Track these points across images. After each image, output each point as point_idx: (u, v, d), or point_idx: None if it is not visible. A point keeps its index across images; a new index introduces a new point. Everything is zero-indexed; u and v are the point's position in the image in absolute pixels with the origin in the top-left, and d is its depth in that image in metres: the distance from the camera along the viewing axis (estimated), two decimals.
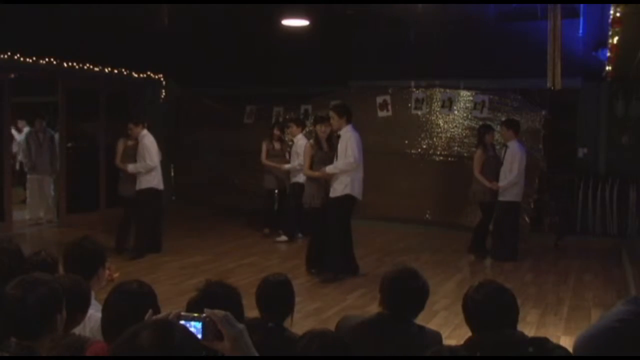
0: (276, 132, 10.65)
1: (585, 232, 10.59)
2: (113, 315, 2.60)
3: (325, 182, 8.08)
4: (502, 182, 9.03)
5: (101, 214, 11.83)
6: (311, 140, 8.73)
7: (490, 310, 2.71)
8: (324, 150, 8.21)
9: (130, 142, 9.08)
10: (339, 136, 7.83)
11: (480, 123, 10.38)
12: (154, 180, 8.92)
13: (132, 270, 7.81)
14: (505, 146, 9.19)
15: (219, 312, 1.95)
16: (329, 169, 7.83)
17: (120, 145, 9.18)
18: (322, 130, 8.26)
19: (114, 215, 12.23)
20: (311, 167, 8.26)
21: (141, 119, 9.19)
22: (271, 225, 10.66)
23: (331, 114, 7.85)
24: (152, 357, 1.55)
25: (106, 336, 2.61)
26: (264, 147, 10.58)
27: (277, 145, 10.60)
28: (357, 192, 7.84)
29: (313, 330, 2.45)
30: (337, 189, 7.76)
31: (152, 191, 8.92)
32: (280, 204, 10.91)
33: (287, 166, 10.26)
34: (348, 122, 7.79)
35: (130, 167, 8.88)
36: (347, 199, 7.76)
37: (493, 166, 9.24)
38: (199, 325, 1.91)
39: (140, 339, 1.57)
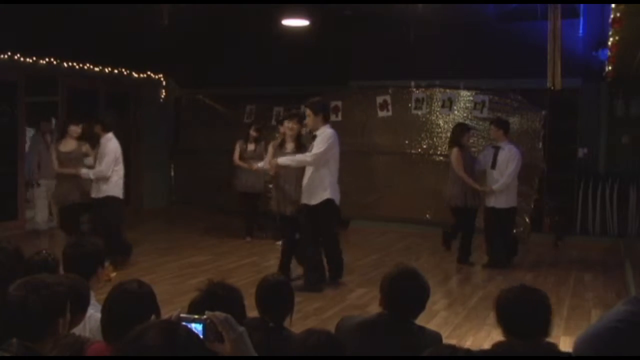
0: (253, 132, 10.15)
1: (585, 232, 10.60)
2: (113, 315, 2.60)
3: (286, 187, 7.51)
4: (496, 185, 8.55)
5: None
6: (277, 140, 8.06)
7: (524, 315, 2.77)
8: (286, 151, 7.53)
9: (62, 147, 8.45)
10: (314, 137, 7.23)
11: (481, 123, 10.40)
12: (114, 188, 8.21)
13: (131, 270, 7.81)
14: (496, 147, 8.73)
15: (220, 314, 1.97)
16: (282, 160, 7.28)
17: (53, 149, 8.62)
18: (289, 127, 7.63)
19: None
20: None
21: (103, 120, 8.44)
22: (252, 232, 10.37)
23: (307, 111, 7.24)
24: (158, 357, 1.56)
25: (106, 336, 2.61)
26: (238, 147, 10.11)
27: (250, 147, 10.10)
28: (337, 197, 7.28)
29: (309, 329, 2.45)
30: (317, 196, 7.17)
31: (110, 199, 8.21)
32: (256, 207, 10.46)
33: (259, 164, 9.26)
34: (325, 121, 7.25)
35: (84, 172, 8.20)
36: (331, 203, 7.21)
37: (468, 168, 8.74)
38: (200, 327, 1.92)
39: (146, 339, 1.58)
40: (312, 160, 7.12)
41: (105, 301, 2.67)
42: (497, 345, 2.77)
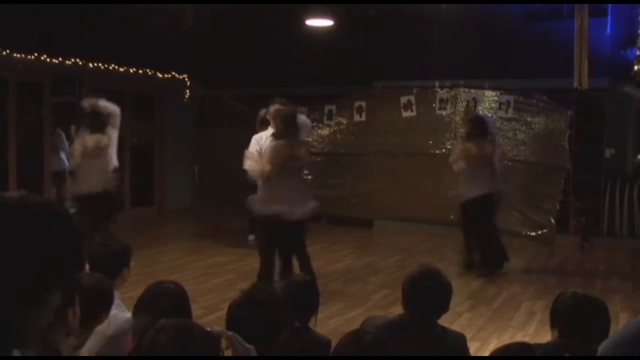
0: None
1: (612, 233, 10.46)
2: (149, 314, 2.60)
3: None
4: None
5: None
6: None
7: (582, 319, 2.79)
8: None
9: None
10: None
11: (506, 123, 10.33)
12: None
13: (155, 270, 7.86)
14: None
15: (228, 332, 2.01)
16: None
17: (78, 140, 8.19)
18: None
19: (134, 215, 12.35)
20: None
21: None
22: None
23: None
24: (172, 357, 1.58)
25: (139, 335, 2.61)
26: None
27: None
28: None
29: (358, 330, 2.45)
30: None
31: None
32: None
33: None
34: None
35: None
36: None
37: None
38: None
39: (160, 341, 1.60)
40: None
41: (140, 300, 2.69)
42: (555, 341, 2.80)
